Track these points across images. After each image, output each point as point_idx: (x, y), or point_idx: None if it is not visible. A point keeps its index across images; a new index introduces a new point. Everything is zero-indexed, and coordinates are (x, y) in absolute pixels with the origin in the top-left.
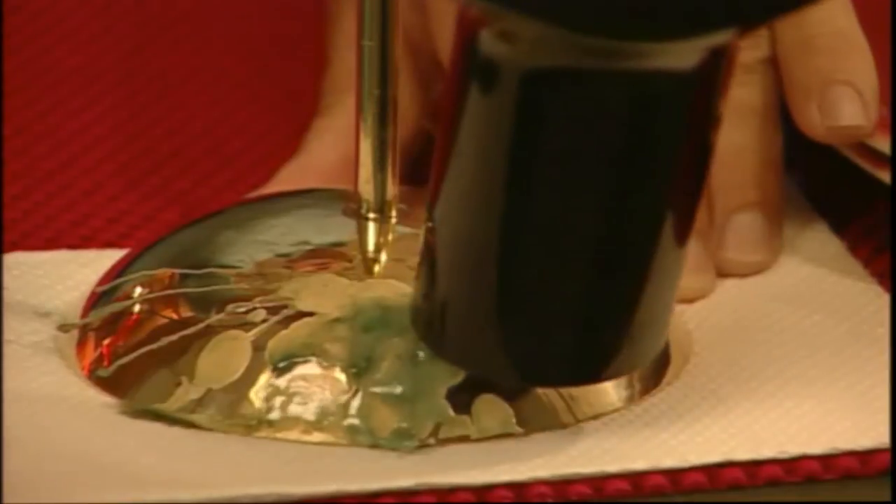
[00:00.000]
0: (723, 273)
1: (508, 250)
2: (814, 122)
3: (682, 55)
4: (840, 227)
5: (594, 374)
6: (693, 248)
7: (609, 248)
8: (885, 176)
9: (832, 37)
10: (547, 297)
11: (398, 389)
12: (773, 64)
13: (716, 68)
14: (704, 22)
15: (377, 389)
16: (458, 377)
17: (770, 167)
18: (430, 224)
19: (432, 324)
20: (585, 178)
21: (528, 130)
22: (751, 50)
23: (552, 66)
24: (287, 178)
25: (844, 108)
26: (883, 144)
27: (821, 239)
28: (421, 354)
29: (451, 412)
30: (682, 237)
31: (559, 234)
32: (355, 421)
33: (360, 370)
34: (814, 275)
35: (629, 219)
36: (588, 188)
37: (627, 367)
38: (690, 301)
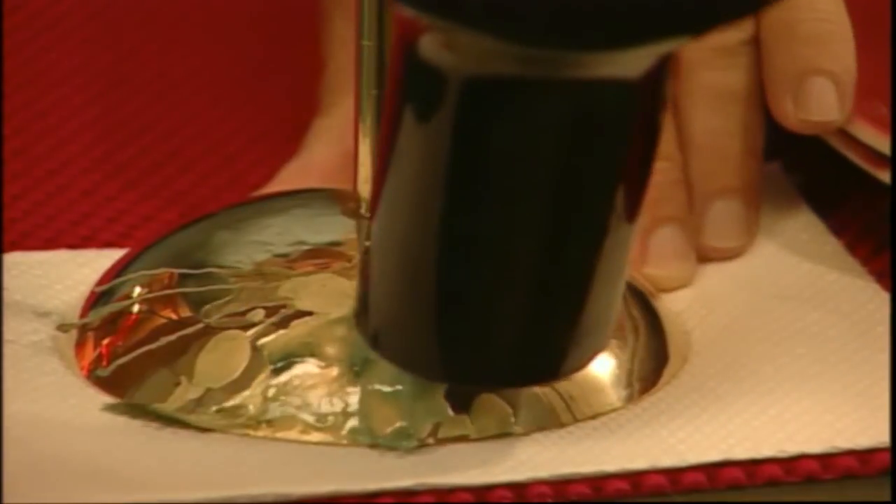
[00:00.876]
0: (702, 260)
1: (449, 256)
2: (787, 113)
3: (629, 64)
4: (839, 226)
5: (537, 376)
6: (673, 235)
7: (551, 254)
8: (884, 176)
9: (816, 22)
10: (489, 302)
11: (397, 389)
12: (756, 45)
13: (661, 76)
14: (652, 31)
15: (376, 389)
16: None
17: (751, 153)
18: (367, 243)
19: (376, 332)
20: (527, 185)
21: (469, 137)
22: (734, 31)
23: (495, 74)
24: (288, 178)
25: (819, 102)
26: (883, 144)
27: (819, 239)
28: None
29: (451, 412)
30: (625, 242)
31: (501, 241)
32: (354, 421)
33: (359, 370)
34: (812, 274)
35: (572, 226)
36: (530, 196)
37: (571, 368)
38: (671, 290)
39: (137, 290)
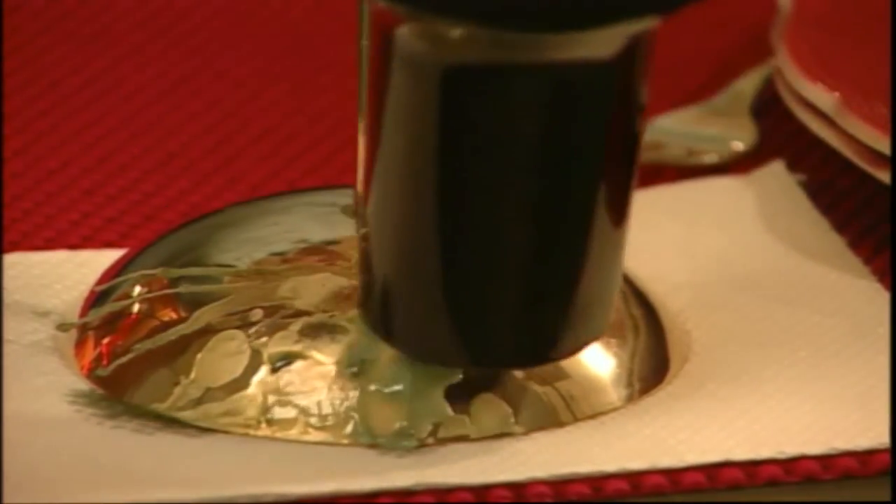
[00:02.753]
0: None
1: (445, 240)
2: None
3: (602, 45)
4: (840, 226)
5: (541, 355)
6: None
7: (543, 232)
8: (884, 176)
9: None
10: (487, 282)
11: (397, 389)
12: None
13: (636, 55)
14: (617, 12)
15: (376, 389)
16: (457, 376)
17: None
18: (364, 230)
19: (380, 319)
20: (512, 169)
21: (454, 125)
22: None
23: (473, 62)
24: None
25: None
26: (883, 144)
27: (822, 236)
28: None
29: (450, 412)
30: (617, 219)
31: (493, 222)
32: (354, 421)
33: (358, 370)
34: (814, 274)
35: (561, 204)
36: (518, 177)
37: (573, 346)
38: None
39: (137, 289)
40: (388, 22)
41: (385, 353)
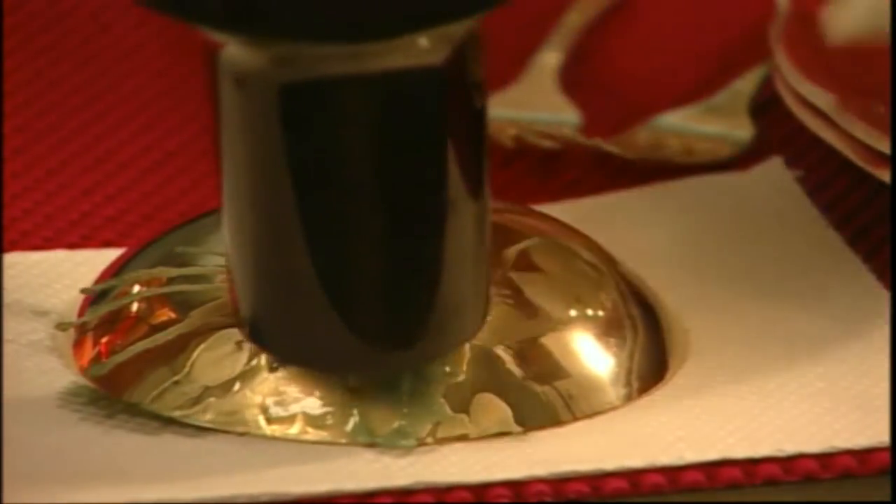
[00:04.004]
0: None
1: (301, 252)
2: None
3: (427, 50)
4: (838, 225)
5: (407, 359)
6: None
7: (397, 235)
8: (884, 175)
9: None
10: (346, 289)
11: (396, 388)
12: None
13: (466, 58)
14: (407, 22)
15: (375, 388)
16: (457, 376)
17: None
18: (226, 244)
19: (252, 328)
20: (354, 177)
21: (292, 140)
22: None
23: (302, 79)
24: None
25: None
26: (882, 144)
27: (821, 234)
28: None
29: (450, 411)
30: (471, 225)
31: (346, 230)
32: (353, 420)
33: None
34: (813, 272)
35: (412, 207)
36: (363, 186)
37: (444, 347)
38: None
39: (136, 288)
40: (212, 45)
41: None
